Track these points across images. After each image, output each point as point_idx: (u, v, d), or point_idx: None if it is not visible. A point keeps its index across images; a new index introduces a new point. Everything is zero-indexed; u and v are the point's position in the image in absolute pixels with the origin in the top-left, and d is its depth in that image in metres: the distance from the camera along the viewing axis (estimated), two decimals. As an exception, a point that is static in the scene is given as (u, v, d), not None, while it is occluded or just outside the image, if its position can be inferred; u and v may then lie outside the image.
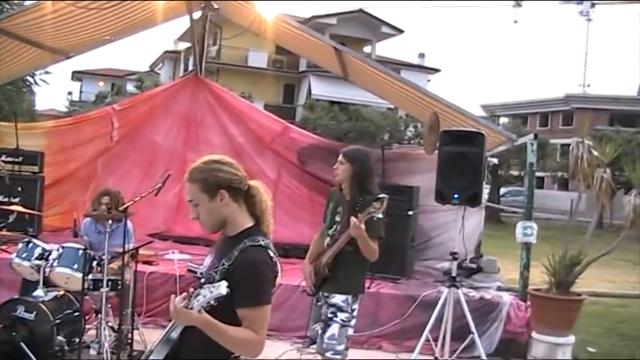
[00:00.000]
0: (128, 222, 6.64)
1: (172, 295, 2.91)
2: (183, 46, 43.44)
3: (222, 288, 2.74)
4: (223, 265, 2.97)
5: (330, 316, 5.12)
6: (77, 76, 58.19)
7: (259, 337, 2.88)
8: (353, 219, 4.90)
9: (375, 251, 5.09)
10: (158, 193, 6.52)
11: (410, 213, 9.06)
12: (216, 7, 11.47)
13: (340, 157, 5.29)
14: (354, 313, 5.20)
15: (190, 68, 15.70)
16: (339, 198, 5.34)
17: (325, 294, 5.19)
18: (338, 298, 5.12)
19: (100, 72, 56.34)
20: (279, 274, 3.06)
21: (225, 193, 3.02)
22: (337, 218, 5.27)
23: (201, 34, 12.05)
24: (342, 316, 5.10)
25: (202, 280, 3.11)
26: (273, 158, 11.27)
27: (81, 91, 59.42)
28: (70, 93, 60.02)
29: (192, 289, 2.87)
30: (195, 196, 3.04)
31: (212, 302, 2.76)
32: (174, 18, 11.62)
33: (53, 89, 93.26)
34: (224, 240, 3.11)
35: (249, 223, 3.09)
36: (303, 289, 5.50)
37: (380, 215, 4.99)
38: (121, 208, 6.56)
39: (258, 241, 2.99)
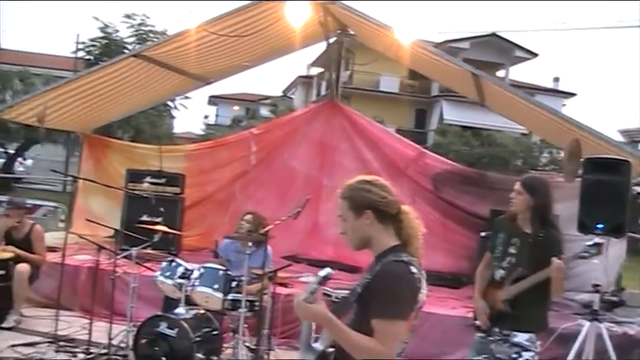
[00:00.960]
0: (268, 247, 6.79)
1: (297, 291, 2.99)
2: (316, 71, 44.08)
3: (322, 272, 2.87)
4: (366, 278, 3.02)
5: (514, 356, 4.86)
6: (213, 100, 60.08)
7: (384, 350, 2.84)
8: (557, 261, 4.68)
9: (564, 289, 4.91)
10: (297, 217, 6.64)
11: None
12: (352, 32, 11.59)
13: (518, 187, 5.03)
14: (538, 350, 4.95)
15: (323, 93, 15.85)
16: (513, 229, 5.09)
17: (505, 332, 4.94)
18: (522, 337, 4.87)
19: (235, 97, 57.71)
20: (423, 292, 3.03)
21: (370, 214, 3.07)
22: (511, 250, 5.03)
23: (337, 60, 12.19)
24: (527, 355, 4.85)
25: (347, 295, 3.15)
26: (407, 184, 11.03)
27: (217, 115, 61.33)
28: (206, 117, 62.23)
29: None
30: (344, 212, 3.13)
31: (315, 286, 2.86)
32: (311, 44, 11.84)
33: (189, 113, 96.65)
34: (373, 259, 3.13)
35: (394, 242, 3.09)
36: (472, 324, 5.22)
37: (596, 261, 4.80)
38: (261, 231, 6.72)
39: (401, 257, 3.00)
